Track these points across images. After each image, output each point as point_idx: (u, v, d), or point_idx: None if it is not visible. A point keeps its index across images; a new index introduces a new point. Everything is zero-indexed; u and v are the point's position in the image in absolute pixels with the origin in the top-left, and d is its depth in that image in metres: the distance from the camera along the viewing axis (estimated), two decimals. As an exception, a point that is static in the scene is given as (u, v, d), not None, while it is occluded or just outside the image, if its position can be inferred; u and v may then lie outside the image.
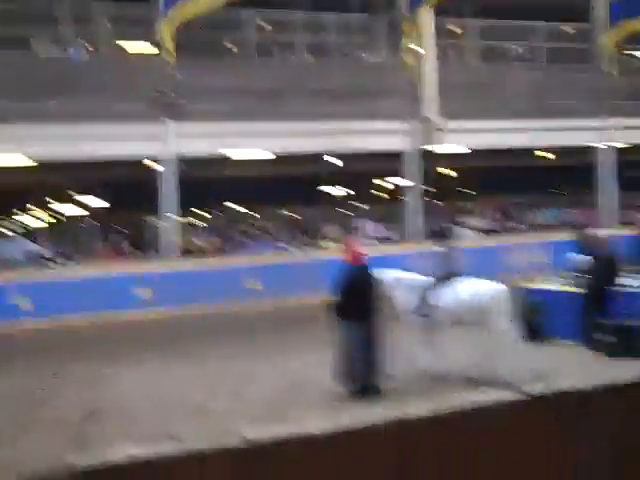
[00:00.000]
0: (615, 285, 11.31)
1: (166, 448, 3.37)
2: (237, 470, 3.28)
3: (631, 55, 24.76)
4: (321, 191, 27.30)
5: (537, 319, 12.00)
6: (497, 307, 9.82)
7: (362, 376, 9.04)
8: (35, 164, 18.08)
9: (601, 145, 22.93)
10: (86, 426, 8.38)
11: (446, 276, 10.23)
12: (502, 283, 10.18)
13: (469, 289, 10.04)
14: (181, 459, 3.26)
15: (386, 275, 10.17)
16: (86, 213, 25.34)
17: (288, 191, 22.76)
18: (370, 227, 21.25)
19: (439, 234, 11.18)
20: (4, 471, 3.34)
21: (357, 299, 9.11)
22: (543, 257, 21.46)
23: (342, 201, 27.80)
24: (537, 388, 4.05)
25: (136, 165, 19.90)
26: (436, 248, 10.56)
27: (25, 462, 6.56)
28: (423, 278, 10.37)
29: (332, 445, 3.54)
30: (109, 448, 3.24)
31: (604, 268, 11.37)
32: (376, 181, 27.50)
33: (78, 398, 9.76)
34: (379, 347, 9.12)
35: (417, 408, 3.89)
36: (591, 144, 23.25)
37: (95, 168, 19.83)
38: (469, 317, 9.93)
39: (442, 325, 10.09)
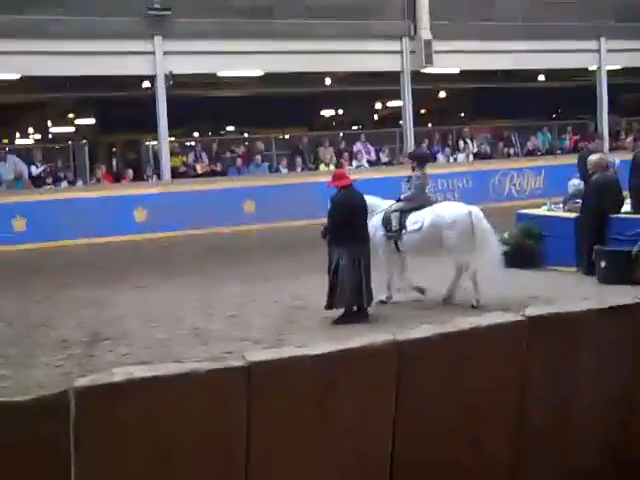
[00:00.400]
0: (612, 210, 11.32)
1: (170, 369, 3.43)
2: (241, 390, 3.35)
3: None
4: (317, 112, 27.15)
5: (532, 245, 12.11)
6: (463, 231, 9.58)
7: (352, 300, 9.09)
8: (19, 78, 17.85)
9: (596, 67, 22.71)
10: (91, 349, 8.50)
11: (417, 201, 10.14)
12: (479, 208, 10.01)
13: (433, 213, 9.92)
14: (185, 379, 3.32)
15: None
16: (73, 130, 25.22)
17: (283, 112, 22.61)
18: (364, 150, 21.16)
19: (420, 158, 11.01)
20: (12, 395, 3.41)
21: (345, 224, 9.08)
22: (539, 182, 21.53)
23: (338, 123, 27.69)
24: (530, 310, 4.12)
25: (124, 83, 19.69)
26: (416, 173, 10.40)
27: (32, 387, 6.71)
28: (393, 203, 10.24)
29: (329, 365, 3.61)
30: (114, 370, 3.29)
31: (597, 192, 11.37)
32: (372, 102, 27.34)
33: (77, 321, 9.86)
34: (367, 271, 9.12)
35: (411, 331, 3.97)
36: (587, 67, 23.03)
37: (82, 85, 19.61)
38: (430, 244, 9.89)
39: (409, 252, 10.10)
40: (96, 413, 3.05)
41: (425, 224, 9.80)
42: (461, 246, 9.59)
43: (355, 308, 9.16)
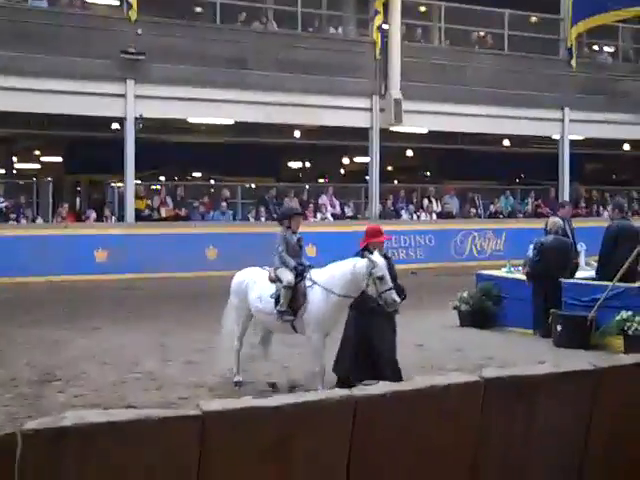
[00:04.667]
0: (568, 273, 11.49)
1: (123, 415, 3.38)
2: (195, 439, 3.31)
3: (593, 49, 25.06)
4: (285, 163, 27.33)
5: (491, 305, 12.20)
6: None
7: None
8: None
9: (559, 137, 23.24)
10: (40, 389, 8.33)
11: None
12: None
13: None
14: (138, 426, 3.26)
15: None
16: (39, 167, 25.08)
17: (250, 162, 22.75)
18: (329, 203, 21.29)
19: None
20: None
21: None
22: (500, 244, 21.80)
23: (305, 175, 27.86)
24: (487, 372, 4.14)
25: (94, 123, 19.68)
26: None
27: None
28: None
29: (285, 417, 3.58)
30: (65, 413, 3.22)
31: (553, 256, 11.55)
32: (339, 156, 27.60)
33: (29, 361, 9.67)
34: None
35: (368, 387, 3.96)
36: (551, 135, 23.55)
37: (51, 123, 19.57)
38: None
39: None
40: (44, 457, 2.98)
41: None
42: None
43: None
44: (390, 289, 7.59)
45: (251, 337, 8.93)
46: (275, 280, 8.25)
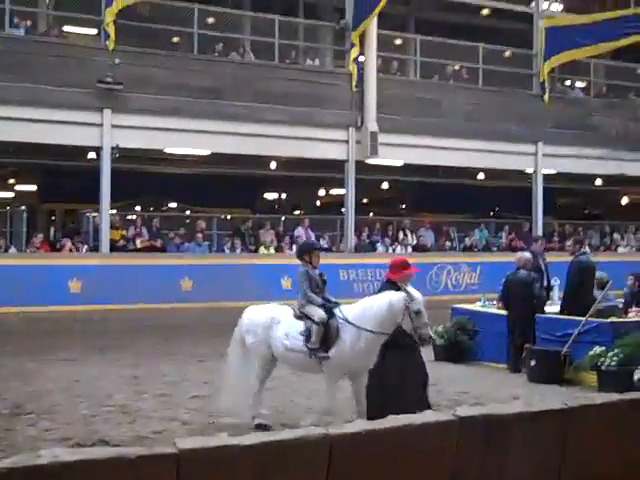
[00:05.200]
0: (531, 307, 11.61)
1: (98, 453, 3.36)
2: (170, 478, 3.30)
3: (565, 84, 25.46)
4: (260, 195, 27.37)
5: (466, 339, 12.26)
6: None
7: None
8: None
9: (533, 171, 23.50)
10: (11, 423, 8.22)
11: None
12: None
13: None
14: (113, 464, 3.25)
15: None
16: (12, 196, 24.91)
17: (226, 193, 22.77)
18: (305, 235, 21.31)
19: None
20: None
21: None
22: (474, 277, 21.91)
23: (281, 206, 27.91)
24: (462, 410, 4.17)
25: (69, 153, 19.63)
26: None
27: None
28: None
29: (260, 455, 3.59)
30: (36, 450, 3.20)
31: (516, 290, 11.68)
32: (315, 188, 27.70)
33: (1, 393, 9.56)
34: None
35: (344, 425, 3.97)
36: (525, 169, 23.80)
37: (26, 151, 19.49)
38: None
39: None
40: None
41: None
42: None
43: None
44: (426, 324, 7.40)
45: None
46: (302, 317, 7.89)
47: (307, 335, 7.75)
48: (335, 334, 7.66)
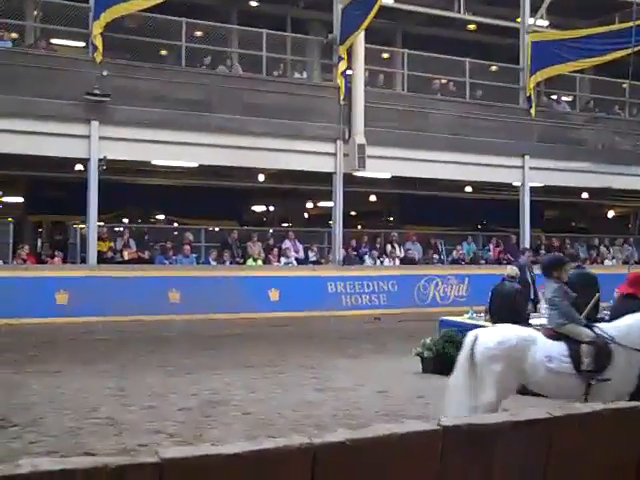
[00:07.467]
0: (514, 318, 11.61)
1: (79, 462, 3.33)
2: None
3: (551, 98, 25.63)
4: (248, 207, 27.39)
5: (454, 352, 12.23)
6: None
7: None
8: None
9: (520, 184, 23.61)
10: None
11: None
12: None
13: None
14: (94, 474, 3.23)
15: None
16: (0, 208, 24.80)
17: (214, 205, 22.79)
18: (292, 247, 21.33)
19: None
20: None
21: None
22: (462, 290, 21.96)
23: (269, 219, 27.94)
24: (445, 420, 4.16)
25: (57, 164, 19.61)
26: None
27: None
28: None
29: (243, 464, 3.57)
30: (20, 461, 3.17)
31: (499, 301, 11.72)
32: (303, 201, 27.74)
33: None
34: None
35: (327, 434, 3.96)
36: (512, 182, 23.91)
37: (13, 163, 19.45)
38: None
39: None
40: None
41: None
42: None
43: None
44: None
45: (213, 382, 8.85)
46: (560, 337, 7.23)
47: (574, 356, 7.09)
48: (606, 355, 7.07)
